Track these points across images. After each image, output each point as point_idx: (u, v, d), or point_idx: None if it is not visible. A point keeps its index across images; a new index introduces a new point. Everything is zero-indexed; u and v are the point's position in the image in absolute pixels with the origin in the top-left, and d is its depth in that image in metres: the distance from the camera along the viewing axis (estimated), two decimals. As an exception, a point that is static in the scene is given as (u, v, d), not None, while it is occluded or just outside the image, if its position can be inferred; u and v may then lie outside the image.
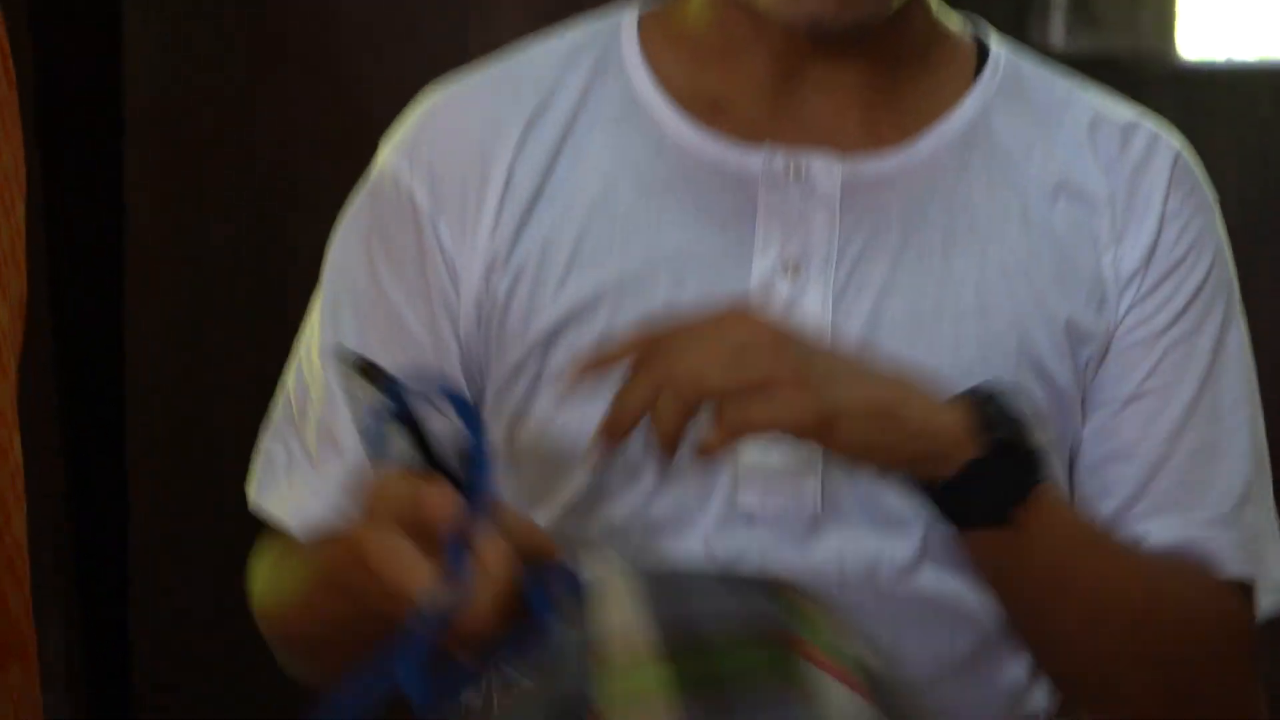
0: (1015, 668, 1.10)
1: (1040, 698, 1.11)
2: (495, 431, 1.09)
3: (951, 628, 1.07)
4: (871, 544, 1.06)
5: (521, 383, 1.08)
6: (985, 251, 1.07)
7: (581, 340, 1.06)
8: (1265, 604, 1.10)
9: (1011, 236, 1.08)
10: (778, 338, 0.94)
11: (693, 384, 0.93)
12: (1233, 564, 1.08)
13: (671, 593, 0.92)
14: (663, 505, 1.06)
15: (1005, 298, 1.07)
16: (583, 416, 1.05)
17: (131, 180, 2.37)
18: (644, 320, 1.01)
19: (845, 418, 0.94)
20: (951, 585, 1.06)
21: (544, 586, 0.88)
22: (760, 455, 1.04)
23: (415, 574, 0.85)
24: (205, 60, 2.38)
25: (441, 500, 0.86)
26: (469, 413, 0.91)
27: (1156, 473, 1.08)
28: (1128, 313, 1.08)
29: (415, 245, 1.09)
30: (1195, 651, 1.09)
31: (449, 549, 0.86)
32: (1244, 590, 1.09)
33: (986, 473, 0.97)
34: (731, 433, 0.93)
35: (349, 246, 1.13)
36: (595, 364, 0.97)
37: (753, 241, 1.06)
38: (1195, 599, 1.08)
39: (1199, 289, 1.09)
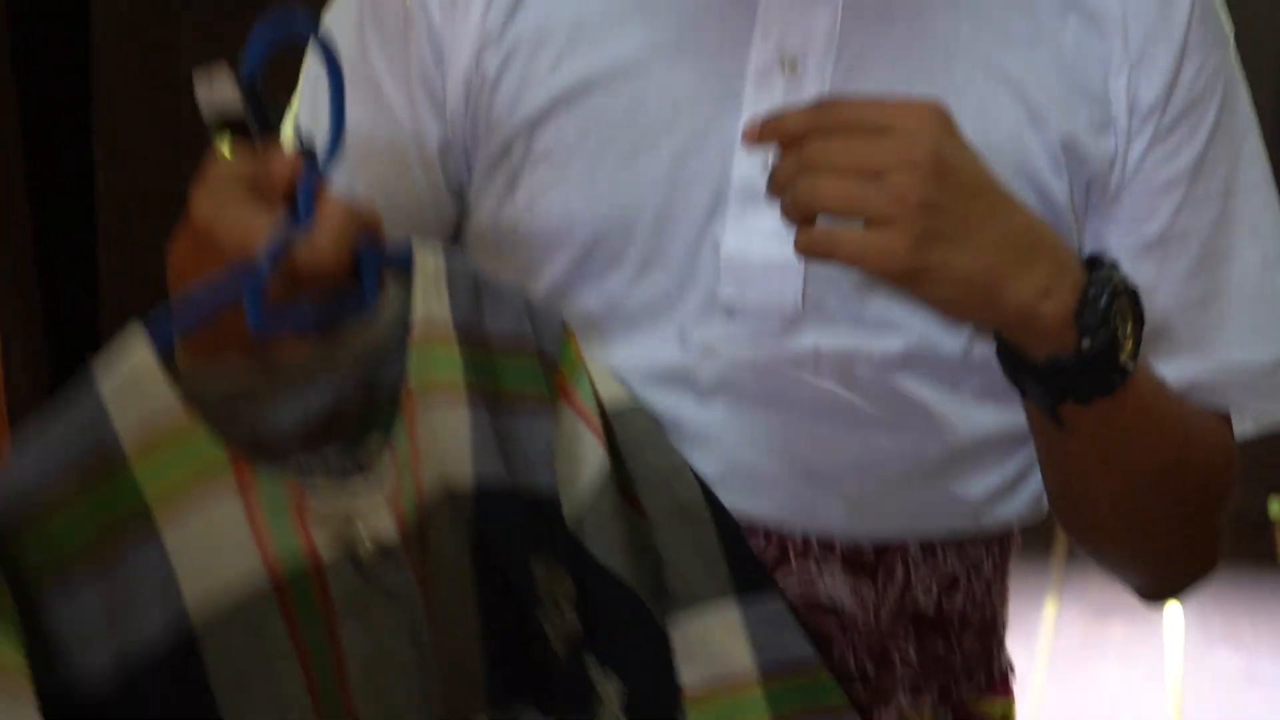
0: (985, 479, 1.10)
1: (1009, 510, 1.12)
2: (481, 215, 1.10)
3: (923, 433, 1.07)
4: (850, 342, 1.05)
5: (508, 164, 1.07)
6: (988, 61, 1.05)
7: (571, 124, 1.05)
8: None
9: (1016, 49, 1.05)
10: (930, 167, 0.91)
11: (810, 194, 0.91)
12: (1247, 406, 1.09)
13: (478, 295, 1.01)
14: (643, 292, 1.06)
15: (1005, 109, 1.05)
16: (565, 200, 1.05)
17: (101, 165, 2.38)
18: (828, 97, 0.97)
19: (936, 281, 0.92)
20: (927, 393, 1.06)
21: (374, 255, 0.94)
22: (743, 247, 1.04)
23: (254, 223, 0.88)
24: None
25: (281, 158, 0.90)
26: (333, 62, 0.94)
27: (1172, 315, 1.08)
28: (1147, 153, 1.06)
29: (402, 17, 1.08)
30: (1210, 497, 1.11)
31: (298, 192, 0.90)
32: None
33: (1073, 371, 0.96)
34: (814, 252, 0.93)
35: (341, 12, 1.12)
36: (767, 128, 0.95)
37: (751, 33, 1.04)
38: (1214, 444, 1.09)
39: (1216, 127, 1.07)
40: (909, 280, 0.92)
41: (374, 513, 0.92)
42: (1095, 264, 0.97)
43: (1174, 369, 1.08)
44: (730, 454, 1.06)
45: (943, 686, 1.13)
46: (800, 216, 0.93)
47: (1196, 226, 1.07)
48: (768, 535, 1.08)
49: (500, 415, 1.01)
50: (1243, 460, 1.13)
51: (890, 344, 1.05)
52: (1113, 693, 4.05)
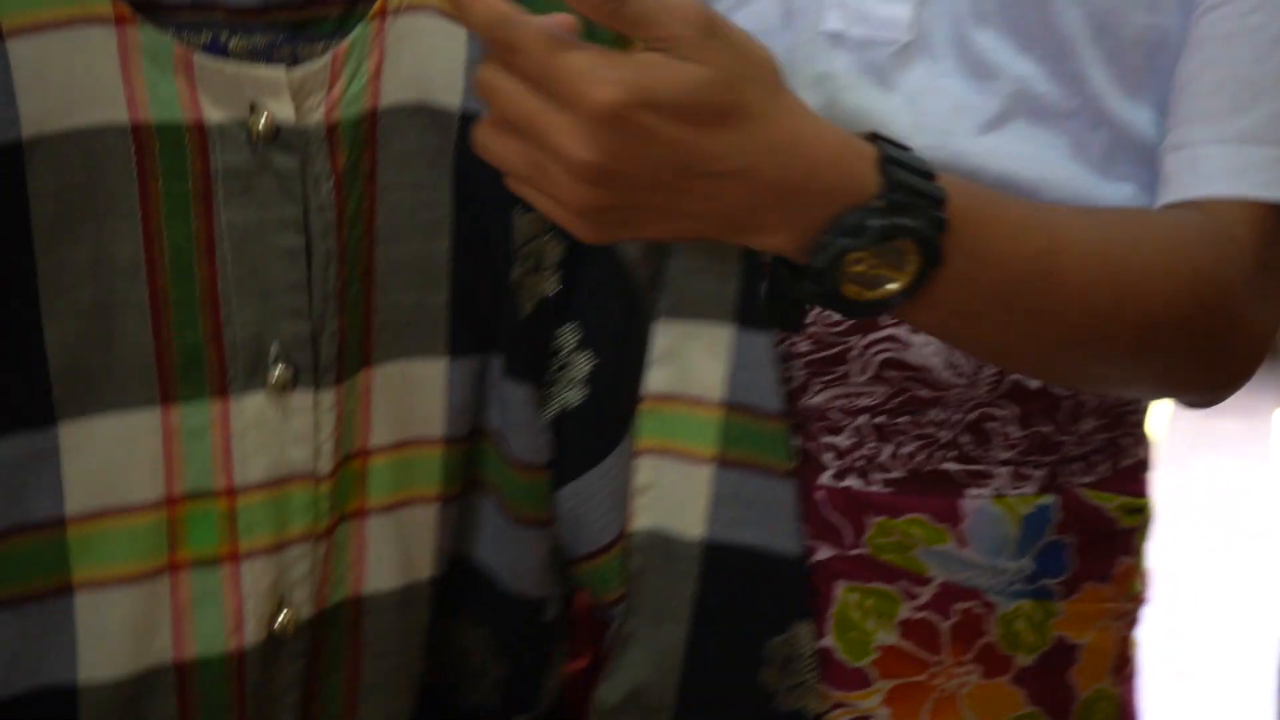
0: None
1: None
2: None
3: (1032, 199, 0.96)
4: (956, 89, 0.97)
5: None
6: None
7: None
8: None
9: None
10: (589, 175, 0.77)
11: (491, 139, 0.80)
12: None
13: None
14: (746, 20, 0.98)
15: None
16: None
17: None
18: (513, 16, 0.78)
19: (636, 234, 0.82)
20: (1030, 149, 0.97)
21: None
22: None
23: None
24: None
25: None
26: None
27: (1243, 47, 0.95)
28: None
29: None
30: (1181, 340, 0.94)
31: None
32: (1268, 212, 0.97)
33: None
34: (518, 190, 0.82)
35: None
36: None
37: None
38: (1180, 290, 0.93)
39: None
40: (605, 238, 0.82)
41: (275, 92, 0.89)
42: (888, 163, 0.82)
43: (1208, 131, 0.95)
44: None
45: (1051, 470, 1.04)
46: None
47: None
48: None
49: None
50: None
51: (993, 98, 0.97)
52: (1222, 488, 4.06)
